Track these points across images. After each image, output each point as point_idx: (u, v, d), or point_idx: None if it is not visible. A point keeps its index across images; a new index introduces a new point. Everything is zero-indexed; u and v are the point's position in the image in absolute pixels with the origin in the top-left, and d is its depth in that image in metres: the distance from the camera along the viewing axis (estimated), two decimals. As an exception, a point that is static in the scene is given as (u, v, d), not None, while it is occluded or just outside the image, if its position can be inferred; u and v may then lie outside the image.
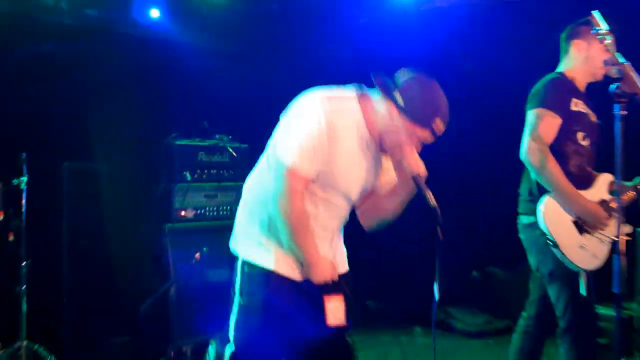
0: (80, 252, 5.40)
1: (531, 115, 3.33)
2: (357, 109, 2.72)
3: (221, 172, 5.73)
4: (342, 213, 2.96)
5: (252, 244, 2.89)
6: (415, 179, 2.66)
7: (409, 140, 2.65)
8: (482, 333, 5.86)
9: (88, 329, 5.33)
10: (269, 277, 2.79)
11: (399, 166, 2.77)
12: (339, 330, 2.79)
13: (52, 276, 5.23)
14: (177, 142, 5.53)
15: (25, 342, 4.59)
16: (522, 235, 3.51)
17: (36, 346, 4.67)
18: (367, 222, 3.04)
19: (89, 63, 5.72)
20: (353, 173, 2.80)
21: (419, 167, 2.67)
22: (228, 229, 5.52)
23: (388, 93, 2.64)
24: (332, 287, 2.78)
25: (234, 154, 5.75)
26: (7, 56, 5.26)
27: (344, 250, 3.14)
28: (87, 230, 5.48)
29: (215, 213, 5.67)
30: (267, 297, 2.80)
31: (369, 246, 7.02)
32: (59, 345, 4.90)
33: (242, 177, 5.70)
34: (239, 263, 2.93)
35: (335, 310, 2.77)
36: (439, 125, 2.63)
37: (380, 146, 2.78)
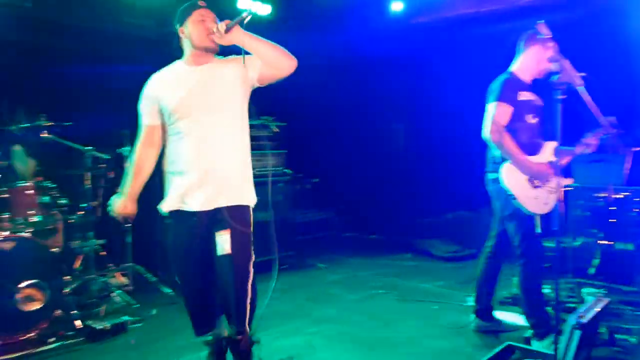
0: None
1: (490, 106, 3.32)
2: None
3: (266, 143, 5.70)
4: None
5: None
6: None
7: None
8: (454, 258, 5.86)
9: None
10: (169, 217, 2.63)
11: None
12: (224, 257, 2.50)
13: (150, 217, 5.26)
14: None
15: (131, 264, 4.68)
16: (489, 187, 3.48)
17: (138, 266, 4.76)
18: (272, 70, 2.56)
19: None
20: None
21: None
22: (273, 183, 5.52)
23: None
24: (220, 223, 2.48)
25: (276, 129, 5.72)
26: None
27: (238, 184, 2.62)
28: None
29: (263, 172, 5.65)
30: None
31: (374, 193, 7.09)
32: (156, 266, 4.96)
33: (283, 147, 5.81)
34: None
35: (223, 243, 2.50)
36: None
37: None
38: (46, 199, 4.01)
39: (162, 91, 2.58)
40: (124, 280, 4.62)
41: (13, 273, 3.49)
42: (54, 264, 3.77)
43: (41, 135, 4.13)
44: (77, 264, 4.46)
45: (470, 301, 3.83)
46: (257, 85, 2.63)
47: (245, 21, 2.41)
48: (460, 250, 5.98)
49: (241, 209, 2.60)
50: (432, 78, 6.17)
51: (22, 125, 4.12)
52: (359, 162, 7.26)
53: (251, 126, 5.49)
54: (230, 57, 2.61)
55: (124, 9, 5.30)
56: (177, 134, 2.56)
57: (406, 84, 6.60)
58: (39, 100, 4.71)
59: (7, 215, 3.74)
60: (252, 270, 2.63)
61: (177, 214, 2.60)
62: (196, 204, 2.54)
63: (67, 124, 4.26)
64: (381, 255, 6.23)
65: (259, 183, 5.60)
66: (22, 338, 3.48)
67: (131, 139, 4.56)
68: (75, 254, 4.45)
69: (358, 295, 4.67)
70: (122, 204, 2.69)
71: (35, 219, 3.88)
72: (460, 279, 5.00)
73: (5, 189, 3.80)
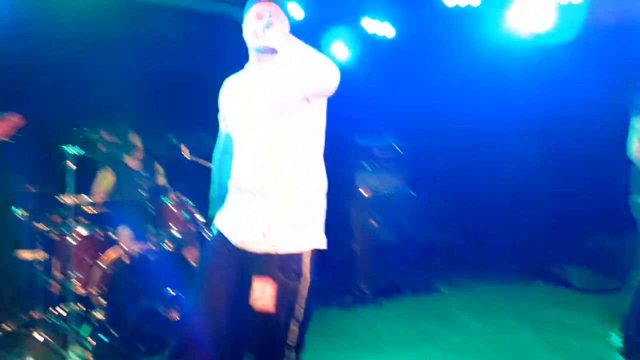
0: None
1: (637, 121, 2.99)
2: None
3: (390, 163, 5.68)
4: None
5: None
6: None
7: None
8: (594, 289, 5.35)
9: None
10: None
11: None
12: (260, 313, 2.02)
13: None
14: (358, 142, 5.60)
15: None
16: (635, 212, 3.14)
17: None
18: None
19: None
20: None
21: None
22: (397, 204, 5.27)
23: None
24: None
25: (400, 150, 5.69)
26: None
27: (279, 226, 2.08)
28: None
29: (386, 193, 5.63)
30: None
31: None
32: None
33: (407, 167, 5.74)
34: None
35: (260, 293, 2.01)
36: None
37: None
38: (185, 214, 4.32)
39: (222, 95, 2.36)
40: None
41: (157, 283, 3.79)
42: (191, 275, 4.04)
43: (182, 155, 4.46)
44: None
45: (616, 340, 3.46)
46: (314, 98, 2.14)
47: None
48: (602, 281, 5.45)
49: (290, 258, 2.07)
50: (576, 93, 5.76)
51: (162, 144, 4.50)
52: (484, 180, 6.94)
53: (374, 146, 5.62)
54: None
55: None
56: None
57: (540, 98, 6.22)
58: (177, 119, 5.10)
59: (152, 229, 4.09)
60: (297, 330, 2.08)
61: (219, 232, 2.24)
62: (234, 236, 2.15)
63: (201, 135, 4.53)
64: (510, 280, 5.87)
65: (385, 204, 5.62)
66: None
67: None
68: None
69: (486, 324, 4.43)
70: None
71: (175, 233, 4.20)
72: (603, 314, 4.56)
73: (152, 205, 4.16)
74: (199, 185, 4.71)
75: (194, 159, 4.46)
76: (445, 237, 6.79)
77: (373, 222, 5.29)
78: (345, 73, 2.15)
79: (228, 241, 2.14)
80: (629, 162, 3.12)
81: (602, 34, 5.25)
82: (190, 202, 4.42)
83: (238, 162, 2.17)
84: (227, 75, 2.36)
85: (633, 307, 3.29)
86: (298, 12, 5.13)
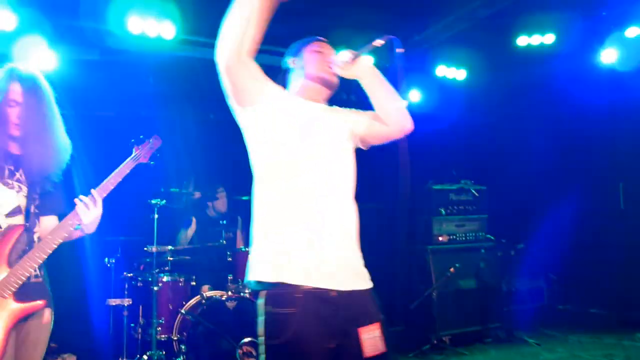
0: (368, 266, 5.56)
1: None
2: None
3: (467, 207, 5.60)
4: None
5: None
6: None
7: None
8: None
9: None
10: None
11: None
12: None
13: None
14: (434, 187, 5.55)
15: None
16: None
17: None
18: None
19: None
20: None
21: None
22: (475, 249, 5.36)
23: None
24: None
25: (476, 193, 5.60)
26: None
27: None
28: (373, 249, 5.62)
29: (464, 238, 5.53)
30: None
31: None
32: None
33: (483, 211, 5.62)
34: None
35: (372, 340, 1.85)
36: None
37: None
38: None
39: (275, 109, 2.04)
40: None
41: (235, 329, 3.87)
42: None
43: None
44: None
45: None
46: (359, 145, 2.12)
47: (374, 45, 1.97)
48: None
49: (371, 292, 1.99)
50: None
51: (244, 198, 4.70)
52: (571, 224, 6.58)
53: (450, 190, 5.56)
54: (335, 107, 2.16)
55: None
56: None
57: (627, 137, 5.92)
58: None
59: (230, 277, 4.22)
60: None
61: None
62: (334, 283, 1.85)
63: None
64: (605, 332, 5.43)
65: (462, 249, 5.52)
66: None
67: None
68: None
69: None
70: None
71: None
72: None
73: (230, 253, 4.31)
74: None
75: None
76: (532, 286, 6.46)
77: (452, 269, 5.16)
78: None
79: (323, 292, 1.80)
80: None
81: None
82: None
83: (312, 201, 1.86)
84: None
85: None
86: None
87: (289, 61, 2.17)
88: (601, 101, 5.69)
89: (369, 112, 2.13)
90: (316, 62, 2.09)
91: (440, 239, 5.40)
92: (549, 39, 5.15)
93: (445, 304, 5.14)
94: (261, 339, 1.80)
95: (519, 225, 6.40)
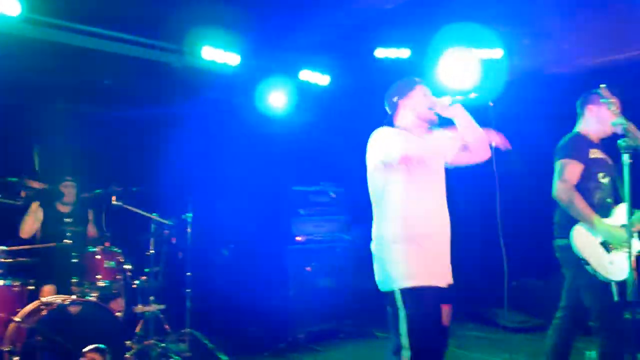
0: (227, 265, 5.54)
1: (559, 164, 3.21)
2: None
3: (325, 208, 5.78)
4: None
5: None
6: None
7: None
8: (521, 329, 5.54)
9: (231, 320, 5.42)
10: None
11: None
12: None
13: (208, 283, 5.36)
14: (294, 188, 5.66)
15: (189, 329, 4.72)
16: (558, 254, 3.32)
17: (196, 332, 4.79)
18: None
19: (233, 136, 5.91)
20: None
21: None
22: (331, 249, 5.52)
23: None
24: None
25: (333, 195, 5.79)
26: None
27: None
28: (233, 248, 5.63)
29: (321, 237, 5.71)
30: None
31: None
32: (212, 332, 4.97)
33: (341, 212, 5.84)
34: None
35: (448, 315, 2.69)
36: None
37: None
38: (112, 264, 4.18)
39: (404, 142, 2.76)
40: (182, 346, 4.66)
41: (78, 336, 3.60)
42: (117, 328, 3.86)
43: (113, 203, 4.36)
44: (138, 328, 4.55)
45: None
46: (447, 165, 2.86)
47: (469, 97, 2.73)
48: (527, 320, 5.66)
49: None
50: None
51: (96, 192, 4.40)
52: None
53: (310, 192, 5.69)
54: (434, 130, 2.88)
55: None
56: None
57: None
58: (110, 166, 5.03)
59: (76, 280, 3.92)
60: None
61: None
62: (444, 279, 2.72)
63: (135, 189, 4.49)
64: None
65: (319, 249, 5.67)
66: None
67: (194, 205, 4.79)
68: (137, 318, 4.55)
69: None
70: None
71: (101, 283, 4.04)
72: (529, 352, 4.71)
73: (76, 254, 4.00)
74: (126, 234, 4.64)
75: (128, 207, 4.38)
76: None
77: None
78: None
79: (437, 288, 2.62)
80: (552, 206, 3.32)
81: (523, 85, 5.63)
82: (119, 251, 4.29)
83: (430, 209, 2.69)
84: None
85: (553, 345, 3.42)
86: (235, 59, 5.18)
87: (396, 99, 2.86)
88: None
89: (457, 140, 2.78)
90: (424, 104, 2.77)
91: (299, 238, 5.52)
92: (405, 53, 5.51)
93: (302, 302, 5.26)
94: None
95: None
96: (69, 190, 4.53)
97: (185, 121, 5.70)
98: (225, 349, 4.60)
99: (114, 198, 4.34)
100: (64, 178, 4.54)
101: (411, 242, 2.58)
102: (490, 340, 5.25)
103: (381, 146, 2.66)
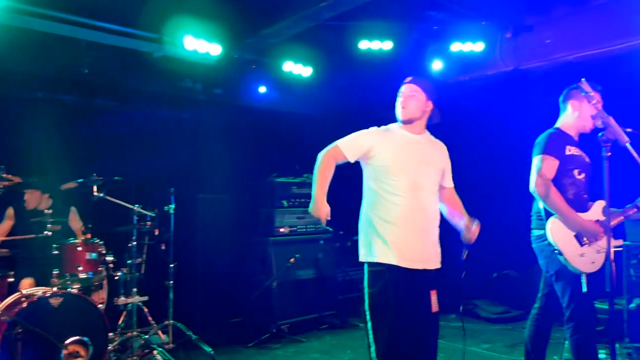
0: (210, 257, 5.53)
1: (536, 159, 3.27)
2: None
3: (308, 200, 5.78)
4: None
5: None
6: None
7: None
8: (500, 319, 5.65)
9: (214, 312, 5.42)
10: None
11: None
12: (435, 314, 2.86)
13: (191, 274, 5.36)
14: (277, 180, 5.66)
15: (172, 321, 4.70)
16: (534, 245, 3.39)
17: (179, 324, 4.78)
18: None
19: (215, 127, 5.92)
20: None
21: None
22: (314, 241, 5.56)
23: None
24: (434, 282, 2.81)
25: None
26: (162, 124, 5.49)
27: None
28: (216, 240, 5.61)
29: (304, 229, 5.72)
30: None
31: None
32: (195, 324, 4.97)
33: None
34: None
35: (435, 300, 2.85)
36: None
37: None
38: (94, 255, 4.14)
39: (385, 140, 3.01)
40: (164, 337, 4.64)
41: (59, 328, 3.57)
42: (98, 320, 3.84)
43: (94, 194, 4.30)
44: (120, 320, 4.53)
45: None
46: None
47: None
48: (507, 311, 5.77)
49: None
50: (475, 134, 6.16)
51: (78, 181, 4.32)
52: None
53: (293, 184, 5.71)
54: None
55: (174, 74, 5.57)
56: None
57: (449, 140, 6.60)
58: (91, 157, 4.97)
59: (56, 272, 3.88)
60: None
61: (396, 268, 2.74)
62: (420, 262, 2.80)
63: (117, 178, 4.43)
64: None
65: (302, 241, 5.70)
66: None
67: (176, 196, 4.76)
68: (119, 310, 4.52)
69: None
70: (326, 207, 2.91)
71: (82, 275, 4.00)
72: (508, 342, 4.80)
73: (56, 245, 3.96)
74: (108, 225, 4.60)
75: (109, 198, 4.34)
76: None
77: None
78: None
79: (411, 269, 2.75)
80: (529, 200, 3.38)
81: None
82: (101, 242, 4.25)
83: (413, 203, 2.80)
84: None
85: (531, 334, 3.50)
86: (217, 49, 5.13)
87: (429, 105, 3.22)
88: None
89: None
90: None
91: (282, 230, 5.53)
92: (387, 45, 5.53)
93: (285, 293, 5.29)
94: None
95: (356, 217, 6.80)
96: (33, 196, 4.42)
97: (168, 112, 5.65)
98: (209, 340, 4.60)
99: (95, 189, 4.28)
100: (27, 187, 4.40)
101: (390, 222, 2.78)
102: (471, 331, 5.34)
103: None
